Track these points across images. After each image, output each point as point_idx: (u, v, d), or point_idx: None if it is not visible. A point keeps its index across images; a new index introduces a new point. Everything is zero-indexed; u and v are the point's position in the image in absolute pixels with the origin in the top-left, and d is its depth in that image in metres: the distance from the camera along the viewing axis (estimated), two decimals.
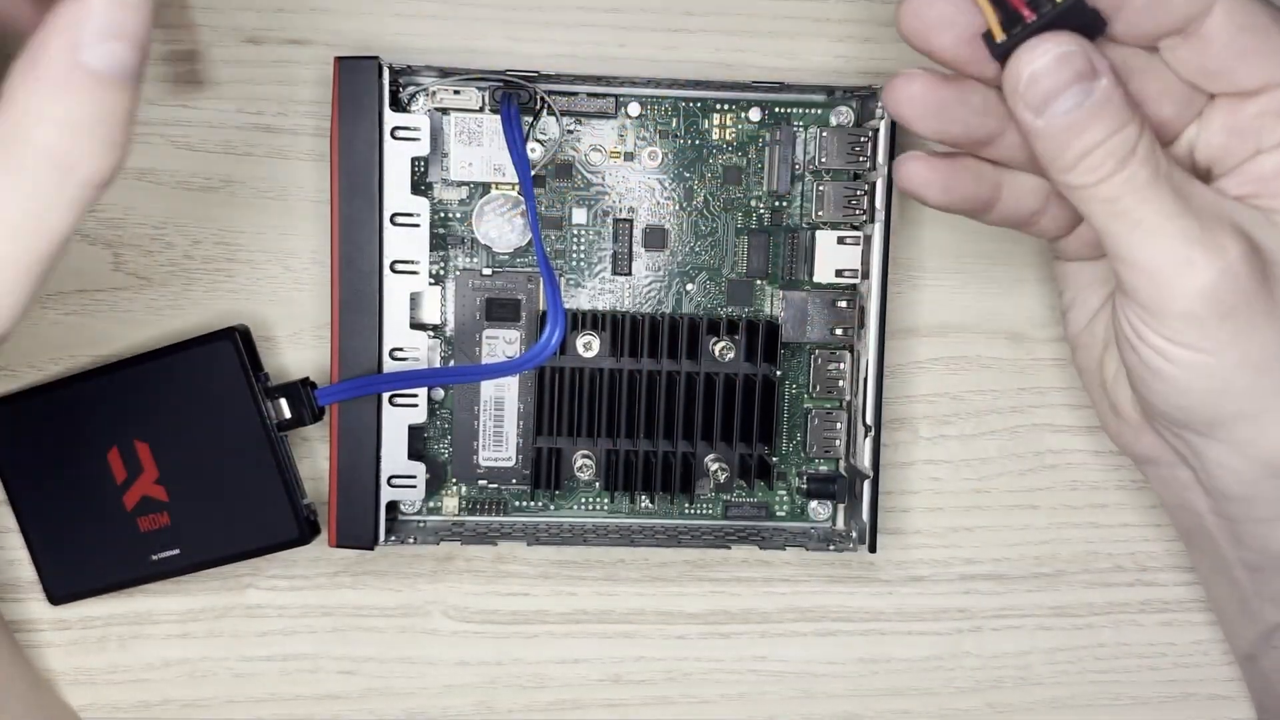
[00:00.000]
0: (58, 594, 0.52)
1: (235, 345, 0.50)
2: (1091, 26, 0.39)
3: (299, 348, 0.53)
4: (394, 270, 0.50)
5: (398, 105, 0.50)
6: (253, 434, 0.50)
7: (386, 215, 0.50)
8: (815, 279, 0.52)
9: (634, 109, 0.52)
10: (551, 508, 0.54)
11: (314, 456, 0.54)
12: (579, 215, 0.52)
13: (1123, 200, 0.39)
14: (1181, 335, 0.41)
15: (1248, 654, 0.52)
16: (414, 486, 0.52)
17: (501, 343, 0.52)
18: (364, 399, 0.51)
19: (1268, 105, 0.42)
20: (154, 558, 0.51)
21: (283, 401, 0.50)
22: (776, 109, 0.52)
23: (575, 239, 0.52)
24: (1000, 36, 0.39)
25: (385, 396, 0.51)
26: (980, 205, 0.46)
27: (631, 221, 0.52)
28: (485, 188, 0.52)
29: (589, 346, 0.52)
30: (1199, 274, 0.39)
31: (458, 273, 0.52)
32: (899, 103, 0.43)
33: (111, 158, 0.32)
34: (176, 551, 0.51)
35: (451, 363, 0.53)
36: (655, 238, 0.52)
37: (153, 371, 0.50)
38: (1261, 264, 0.40)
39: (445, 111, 0.51)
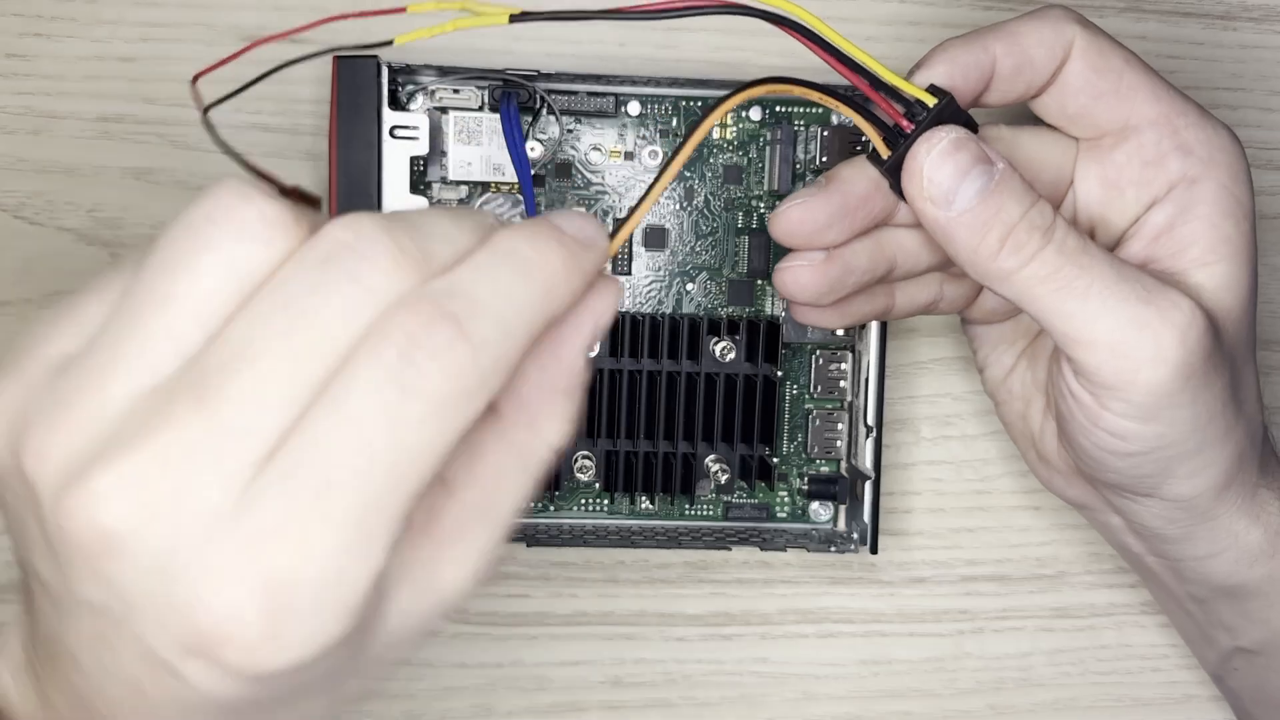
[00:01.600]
0: None
1: None
2: (967, 127, 0.40)
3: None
4: None
5: (396, 104, 0.50)
6: None
7: (386, 203, 0.49)
8: None
9: (634, 108, 0.52)
10: (551, 509, 0.54)
11: None
12: None
13: (1061, 272, 0.39)
14: (1143, 410, 0.40)
15: (1214, 674, 0.52)
16: None
17: None
18: None
19: (1134, 151, 0.42)
20: None
21: None
22: (777, 108, 0.52)
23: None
24: (886, 153, 0.40)
25: None
26: (878, 316, 0.47)
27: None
28: (485, 187, 0.52)
29: (589, 348, 0.52)
30: (1167, 346, 0.39)
31: None
32: (794, 295, 0.44)
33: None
34: None
35: None
36: (655, 237, 0.52)
37: None
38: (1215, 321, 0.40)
39: (444, 110, 0.51)
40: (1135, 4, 0.55)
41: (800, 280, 0.44)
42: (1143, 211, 0.43)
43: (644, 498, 0.54)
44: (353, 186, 0.49)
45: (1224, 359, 0.41)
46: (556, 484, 0.53)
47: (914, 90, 0.40)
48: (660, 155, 0.52)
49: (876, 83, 0.40)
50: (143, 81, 0.52)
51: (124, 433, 0.27)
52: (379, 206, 0.49)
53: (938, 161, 0.38)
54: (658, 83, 0.51)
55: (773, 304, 0.53)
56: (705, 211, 0.52)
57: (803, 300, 0.44)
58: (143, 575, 0.27)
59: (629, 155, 0.52)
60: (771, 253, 0.52)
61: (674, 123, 0.52)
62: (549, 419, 0.32)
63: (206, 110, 0.42)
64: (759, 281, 0.53)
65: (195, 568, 0.26)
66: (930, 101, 0.40)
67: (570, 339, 0.32)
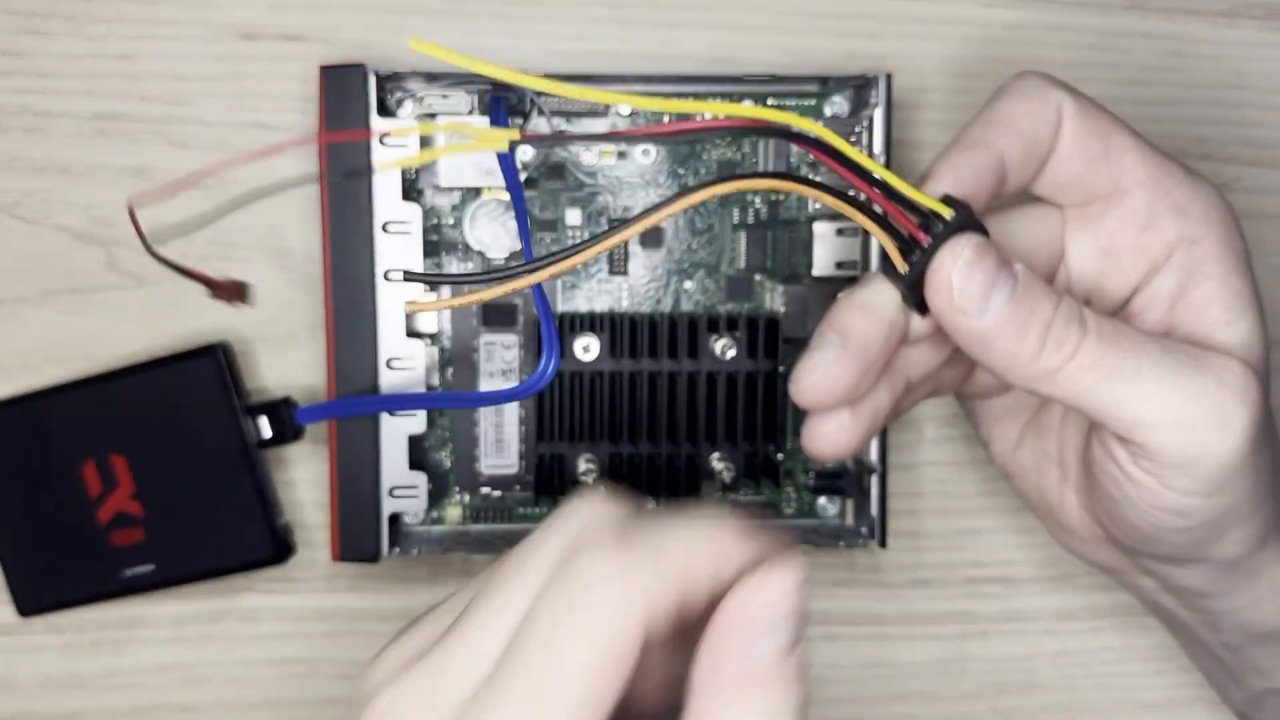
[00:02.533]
0: (26, 606, 0.52)
1: (217, 362, 0.50)
2: (981, 234, 0.39)
3: (294, 348, 0.53)
4: (387, 279, 0.49)
5: (385, 111, 0.50)
6: (231, 452, 0.50)
7: (378, 224, 0.49)
8: (815, 272, 0.52)
9: (625, 107, 0.51)
10: None
11: (312, 463, 0.53)
12: (573, 216, 0.52)
13: (1107, 359, 0.38)
14: (1210, 484, 0.39)
15: (1241, 713, 0.51)
16: (416, 497, 0.51)
17: (499, 348, 0.52)
18: None
19: (1127, 216, 0.41)
20: (127, 573, 0.51)
21: (263, 420, 0.50)
22: (770, 101, 0.52)
23: (570, 240, 0.52)
24: (903, 267, 0.39)
25: None
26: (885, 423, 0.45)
27: (627, 221, 0.52)
28: (476, 193, 0.51)
29: (587, 349, 0.51)
30: (1233, 412, 0.38)
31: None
32: (835, 456, 0.42)
33: None
34: (150, 567, 0.51)
35: (450, 370, 0.52)
36: (651, 236, 0.52)
37: (132, 386, 0.50)
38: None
39: (434, 116, 0.51)
40: (1139, 2, 0.54)
41: (840, 444, 0.41)
42: (1142, 278, 0.42)
43: (650, 500, 0.53)
44: (344, 196, 0.49)
45: (1269, 415, 0.40)
46: (561, 488, 0.52)
47: (929, 201, 0.38)
48: (653, 154, 0.51)
49: (891, 193, 0.39)
50: (139, 79, 0.52)
51: None
52: (371, 215, 0.49)
53: (966, 271, 0.37)
54: (648, 80, 0.51)
55: (771, 299, 0.52)
56: (700, 208, 0.52)
57: (842, 455, 0.42)
58: None
59: (621, 155, 0.52)
60: (769, 248, 0.52)
61: (665, 120, 0.51)
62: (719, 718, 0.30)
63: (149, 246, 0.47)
64: (757, 277, 0.52)
65: None
66: (946, 212, 0.38)
67: (727, 625, 0.31)
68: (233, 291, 0.51)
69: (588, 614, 0.30)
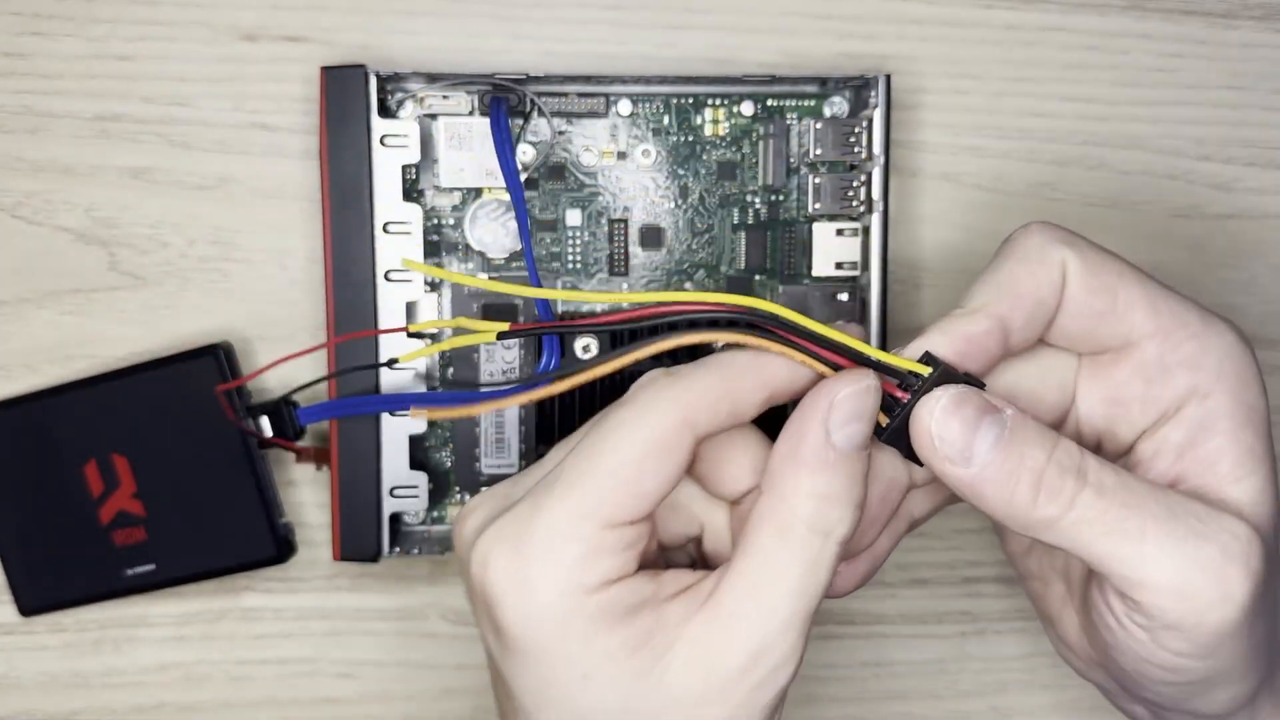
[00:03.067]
0: (28, 606, 0.52)
1: (218, 362, 0.50)
2: (970, 384, 0.39)
3: (295, 348, 0.53)
4: (388, 280, 0.50)
5: (386, 112, 0.50)
6: (232, 451, 0.50)
7: (378, 224, 0.49)
8: (814, 273, 0.52)
9: (625, 107, 0.51)
10: None
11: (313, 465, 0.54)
12: (573, 217, 0.52)
13: (1108, 515, 0.37)
14: (1204, 648, 0.38)
15: None
16: (416, 497, 0.51)
17: (500, 348, 0.52)
18: None
19: (1136, 369, 0.40)
20: (128, 572, 0.51)
21: (264, 419, 0.50)
22: (769, 102, 0.52)
23: (570, 241, 0.52)
24: (884, 421, 0.39)
25: None
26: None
27: (626, 221, 0.52)
28: (477, 192, 0.52)
29: (588, 349, 0.51)
30: (1235, 584, 0.37)
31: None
32: (832, 591, 0.42)
33: (856, 516, 0.38)
34: (152, 567, 0.51)
35: (450, 371, 0.52)
36: (651, 237, 0.52)
37: (134, 386, 0.51)
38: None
39: (434, 117, 0.51)
40: (1138, 3, 0.54)
41: (839, 590, 0.44)
42: (1150, 424, 0.41)
43: None
44: (345, 197, 0.49)
45: (1274, 574, 0.39)
46: None
47: (906, 364, 0.39)
48: (653, 154, 0.52)
49: (867, 361, 0.39)
50: (140, 80, 0.52)
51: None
52: (371, 216, 0.49)
53: (943, 420, 0.37)
54: (648, 81, 0.51)
55: (772, 299, 0.52)
56: (700, 209, 0.52)
57: (839, 597, 0.45)
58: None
59: (621, 155, 0.52)
60: (768, 248, 0.52)
61: (665, 120, 0.52)
62: (793, 489, 0.38)
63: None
64: (757, 277, 0.52)
65: None
66: (923, 370, 0.39)
67: (808, 414, 0.38)
68: (319, 457, 0.51)
69: (631, 410, 0.38)
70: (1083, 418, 0.42)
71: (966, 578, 0.56)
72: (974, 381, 0.39)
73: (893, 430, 0.39)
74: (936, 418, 0.37)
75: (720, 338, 0.39)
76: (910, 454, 0.39)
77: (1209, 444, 0.39)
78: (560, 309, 0.52)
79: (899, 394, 0.39)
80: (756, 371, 0.38)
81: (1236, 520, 0.38)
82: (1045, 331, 0.41)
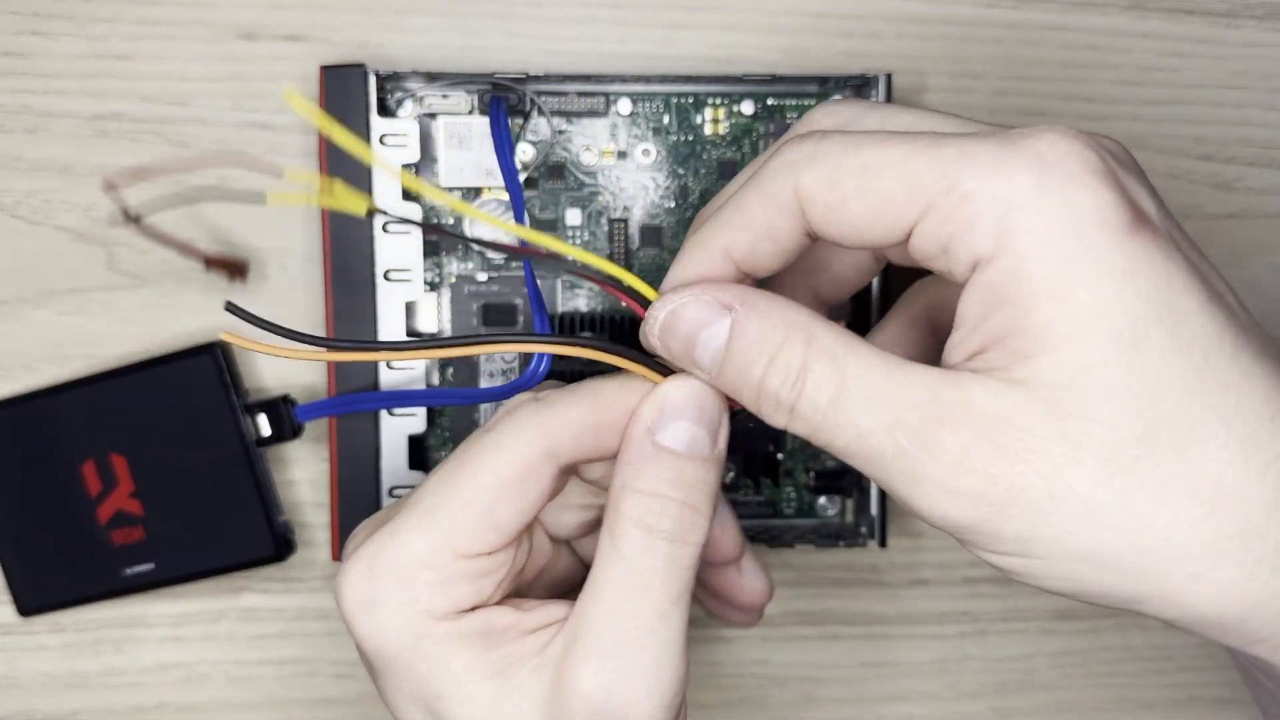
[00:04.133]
0: (27, 606, 0.52)
1: (215, 360, 0.50)
2: None
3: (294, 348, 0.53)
4: (388, 279, 0.50)
5: (385, 111, 0.50)
6: (231, 450, 0.50)
7: (378, 224, 0.49)
8: None
9: (625, 106, 0.51)
10: None
11: (312, 462, 0.54)
12: (573, 216, 0.52)
13: (819, 432, 0.35)
14: (976, 544, 0.35)
15: None
16: None
17: None
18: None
19: (916, 251, 0.35)
20: (127, 571, 0.51)
21: (262, 417, 0.50)
22: (769, 101, 0.52)
23: (570, 241, 0.52)
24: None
25: None
26: None
27: (626, 221, 0.52)
28: (477, 192, 0.52)
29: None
30: (925, 488, 0.33)
31: (452, 279, 0.52)
32: None
33: (686, 516, 0.37)
34: (150, 566, 0.51)
35: (450, 370, 0.52)
36: (651, 236, 0.52)
37: (131, 385, 0.50)
38: (1006, 444, 0.33)
39: (434, 116, 0.51)
40: (1139, 2, 0.54)
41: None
42: (956, 306, 0.35)
43: None
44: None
45: (1069, 474, 0.33)
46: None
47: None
48: (653, 153, 0.52)
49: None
50: (139, 80, 0.52)
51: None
52: (371, 216, 0.49)
53: (661, 339, 0.37)
54: (648, 80, 0.51)
55: None
56: (700, 208, 0.52)
57: None
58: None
59: (621, 154, 0.52)
60: None
61: (665, 120, 0.52)
62: (616, 488, 0.37)
63: (136, 219, 0.47)
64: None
65: None
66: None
67: (633, 418, 0.38)
68: (230, 268, 0.51)
69: (492, 438, 0.37)
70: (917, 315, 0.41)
71: (966, 578, 0.56)
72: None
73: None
74: (656, 329, 0.37)
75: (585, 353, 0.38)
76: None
77: (998, 315, 0.33)
78: (560, 309, 0.52)
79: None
80: (626, 402, 0.38)
81: (954, 432, 0.33)
82: (795, 253, 0.37)
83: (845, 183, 0.34)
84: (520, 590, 0.41)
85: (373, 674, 0.39)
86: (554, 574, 0.43)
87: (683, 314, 0.36)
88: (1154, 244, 0.32)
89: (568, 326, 0.51)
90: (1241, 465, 0.32)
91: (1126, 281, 0.32)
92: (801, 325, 0.35)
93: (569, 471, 0.39)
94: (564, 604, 0.38)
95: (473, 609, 0.37)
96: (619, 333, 0.51)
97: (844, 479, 0.53)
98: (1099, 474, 0.32)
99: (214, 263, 0.50)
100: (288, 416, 0.50)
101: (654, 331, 0.37)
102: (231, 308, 0.37)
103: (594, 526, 0.43)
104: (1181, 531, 0.32)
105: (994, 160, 0.33)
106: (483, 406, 0.52)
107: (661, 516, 0.36)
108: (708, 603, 0.46)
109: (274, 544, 0.51)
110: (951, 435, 0.33)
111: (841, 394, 0.34)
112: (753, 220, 0.36)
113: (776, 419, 0.35)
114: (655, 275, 0.52)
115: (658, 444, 0.37)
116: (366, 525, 0.40)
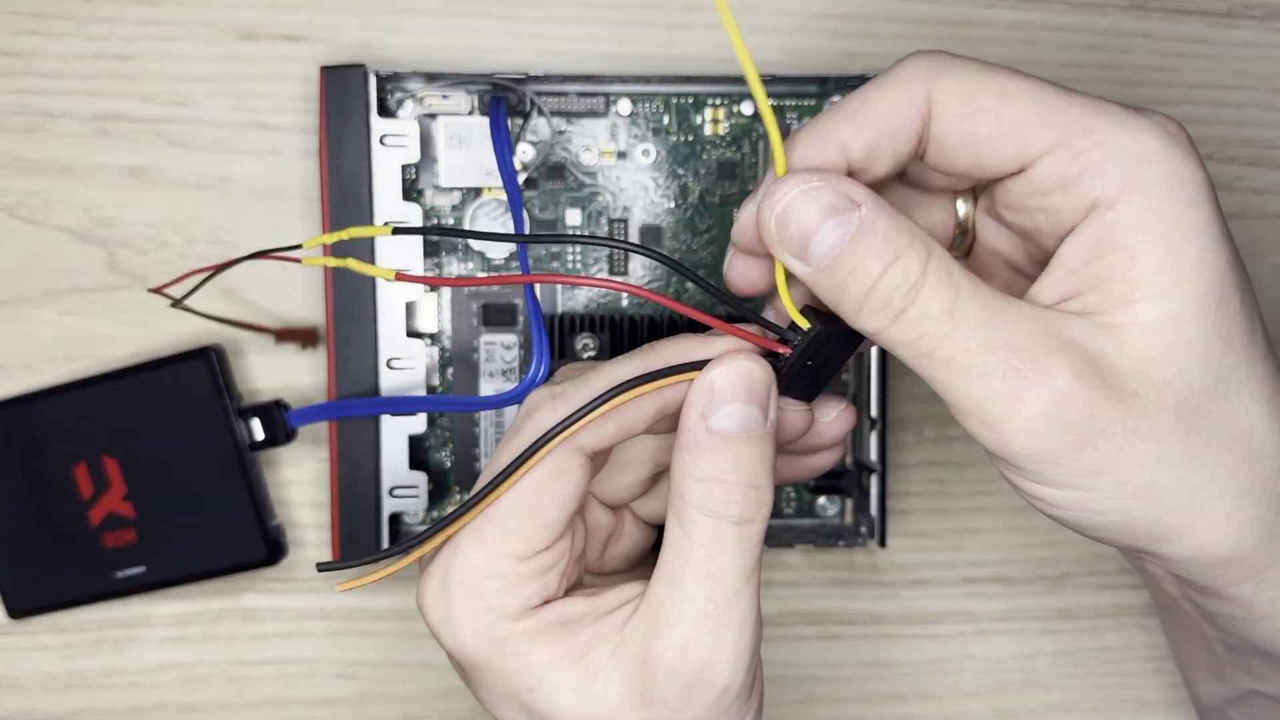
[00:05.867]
0: (17, 608, 0.52)
1: (209, 364, 0.50)
2: (845, 340, 0.38)
3: (294, 348, 0.53)
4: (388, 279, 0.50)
5: (386, 112, 0.50)
6: (224, 454, 0.50)
7: (378, 224, 0.49)
8: None
9: (624, 107, 0.51)
10: None
11: (307, 464, 0.54)
12: (573, 216, 0.52)
13: (923, 340, 0.35)
14: (1041, 475, 0.36)
15: (1213, 707, 0.48)
16: (416, 497, 0.51)
17: (499, 348, 0.52)
18: None
19: (1033, 185, 0.37)
20: (118, 574, 0.51)
21: (255, 422, 0.50)
22: (770, 101, 0.52)
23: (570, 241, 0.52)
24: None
25: None
26: None
27: (626, 221, 0.52)
28: (477, 192, 0.52)
29: (587, 349, 0.51)
30: (1027, 408, 0.34)
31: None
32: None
33: (751, 495, 0.37)
34: (142, 569, 0.51)
35: (450, 371, 0.52)
36: (651, 236, 0.52)
37: (124, 388, 0.51)
38: (1106, 380, 0.35)
39: (434, 116, 0.51)
40: (1138, 2, 0.54)
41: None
42: (1055, 244, 0.37)
43: None
44: (344, 196, 0.49)
45: (1152, 413, 0.35)
46: None
47: (789, 310, 0.38)
48: (653, 154, 0.52)
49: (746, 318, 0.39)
50: (139, 80, 0.52)
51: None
52: (371, 216, 0.49)
53: (787, 212, 0.36)
54: (648, 80, 0.51)
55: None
56: (700, 208, 0.52)
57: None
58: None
59: (621, 155, 0.52)
60: None
61: (665, 120, 0.52)
62: (679, 476, 0.37)
63: (179, 301, 0.48)
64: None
65: None
66: (804, 324, 0.38)
67: (685, 405, 0.38)
68: (302, 337, 0.51)
69: (520, 443, 0.37)
70: (988, 242, 0.41)
71: (966, 578, 0.56)
72: (854, 337, 0.38)
73: (784, 383, 0.38)
74: (779, 207, 0.36)
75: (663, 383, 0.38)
76: (803, 394, 0.39)
77: (1103, 261, 0.36)
78: (559, 308, 0.52)
79: (783, 350, 0.38)
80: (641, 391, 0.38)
81: (1064, 348, 0.35)
82: (904, 163, 0.38)
83: (981, 98, 0.36)
84: (592, 568, 0.42)
85: (465, 679, 0.40)
86: (623, 543, 0.44)
87: (815, 197, 0.35)
88: (1225, 223, 0.37)
89: (567, 327, 0.51)
90: (1266, 421, 0.36)
91: (1221, 246, 0.36)
92: (923, 236, 0.35)
93: (603, 455, 0.40)
94: (636, 583, 0.39)
95: (545, 603, 0.38)
96: (618, 333, 0.51)
97: (844, 479, 0.53)
98: (1173, 417, 0.35)
99: (286, 335, 0.51)
100: (281, 421, 0.50)
101: (774, 210, 0.36)
102: (323, 567, 0.39)
103: (650, 484, 0.43)
104: (1224, 472, 0.36)
105: (1125, 119, 0.36)
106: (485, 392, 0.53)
107: (727, 502, 0.37)
108: (786, 472, 0.45)
109: (266, 547, 0.51)
110: (1060, 363, 0.34)
111: (957, 306, 0.35)
112: (877, 118, 0.37)
113: (875, 320, 0.35)
114: (656, 275, 0.52)
115: (712, 429, 0.37)
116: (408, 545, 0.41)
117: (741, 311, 0.38)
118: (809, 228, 0.35)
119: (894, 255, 0.35)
